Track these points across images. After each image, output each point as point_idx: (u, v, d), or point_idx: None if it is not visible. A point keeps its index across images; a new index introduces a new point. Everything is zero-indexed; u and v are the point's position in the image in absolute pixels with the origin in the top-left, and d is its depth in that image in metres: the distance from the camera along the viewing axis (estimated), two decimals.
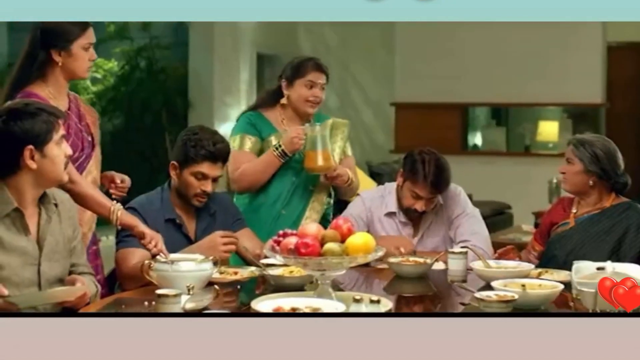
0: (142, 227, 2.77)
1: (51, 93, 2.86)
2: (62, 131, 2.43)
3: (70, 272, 2.55)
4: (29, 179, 2.38)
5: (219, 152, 3.09)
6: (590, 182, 3.17)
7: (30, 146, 2.35)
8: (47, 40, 2.83)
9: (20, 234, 2.38)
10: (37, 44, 2.84)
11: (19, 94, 2.79)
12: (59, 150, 2.41)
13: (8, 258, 2.34)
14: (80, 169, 2.88)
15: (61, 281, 2.47)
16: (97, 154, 3.02)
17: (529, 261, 3.16)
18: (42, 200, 2.46)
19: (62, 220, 2.52)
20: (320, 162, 3.34)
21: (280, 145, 3.37)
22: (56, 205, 2.51)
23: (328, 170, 3.40)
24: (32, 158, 2.36)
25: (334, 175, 3.42)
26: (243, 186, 3.44)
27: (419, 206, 3.27)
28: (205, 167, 3.07)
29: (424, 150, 3.28)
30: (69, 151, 2.48)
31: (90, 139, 2.97)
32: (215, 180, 3.11)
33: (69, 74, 2.90)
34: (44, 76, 2.86)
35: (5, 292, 2.25)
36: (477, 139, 8.75)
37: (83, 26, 2.86)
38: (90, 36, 2.88)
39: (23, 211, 2.40)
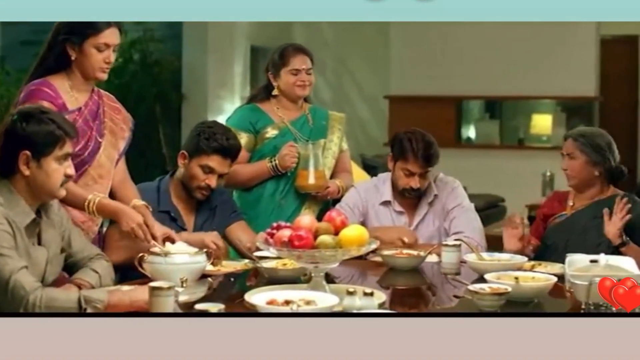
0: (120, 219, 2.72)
1: (70, 87, 2.81)
2: (68, 149, 2.36)
3: (77, 262, 2.53)
4: (24, 185, 2.33)
5: (231, 148, 3.14)
6: (596, 173, 3.17)
7: (27, 152, 2.30)
8: (64, 34, 2.77)
9: (34, 242, 2.36)
10: (56, 36, 2.79)
11: (36, 81, 2.77)
12: (57, 166, 2.33)
13: (30, 266, 2.28)
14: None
15: (53, 283, 2.43)
16: (121, 162, 3.00)
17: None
18: (42, 206, 2.42)
19: (55, 223, 2.49)
20: (311, 180, 3.41)
21: (274, 159, 3.43)
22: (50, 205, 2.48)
23: (319, 189, 3.46)
24: (27, 165, 2.31)
25: (325, 193, 3.48)
26: (231, 185, 3.47)
27: (414, 183, 3.29)
28: (214, 161, 3.10)
29: (408, 130, 3.34)
30: (71, 172, 2.39)
31: (100, 140, 2.88)
32: (220, 176, 3.14)
33: (82, 72, 2.82)
34: (66, 69, 2.81)
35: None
36: (470, 132, 8.75)
37: (99, 25, 2.75)
38: (107, 37, 2.77)
39: (39, 221, 2.38)
